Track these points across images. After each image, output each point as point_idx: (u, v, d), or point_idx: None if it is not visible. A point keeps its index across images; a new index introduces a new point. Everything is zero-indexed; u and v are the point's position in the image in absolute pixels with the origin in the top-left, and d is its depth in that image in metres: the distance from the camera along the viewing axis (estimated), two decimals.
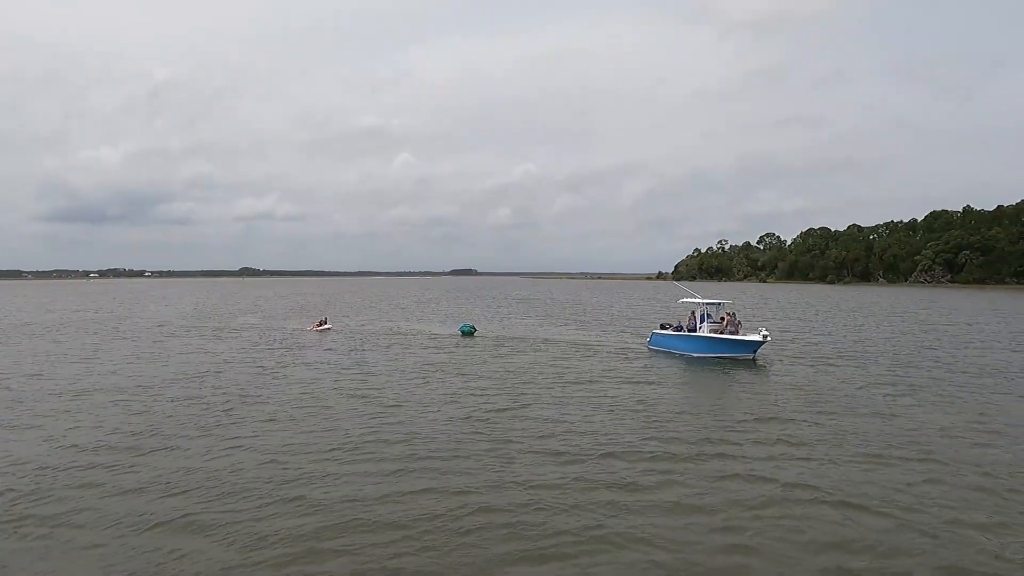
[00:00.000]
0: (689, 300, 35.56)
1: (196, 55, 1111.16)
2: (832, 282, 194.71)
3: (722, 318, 32.95)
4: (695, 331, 33.16)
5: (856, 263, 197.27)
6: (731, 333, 31.41)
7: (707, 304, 33.70)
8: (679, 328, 34.73)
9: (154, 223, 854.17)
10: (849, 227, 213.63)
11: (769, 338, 30.35)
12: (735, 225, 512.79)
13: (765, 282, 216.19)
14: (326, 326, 47.52)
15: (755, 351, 30.70)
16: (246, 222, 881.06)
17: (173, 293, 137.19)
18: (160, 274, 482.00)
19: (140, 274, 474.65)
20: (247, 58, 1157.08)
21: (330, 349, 35.79)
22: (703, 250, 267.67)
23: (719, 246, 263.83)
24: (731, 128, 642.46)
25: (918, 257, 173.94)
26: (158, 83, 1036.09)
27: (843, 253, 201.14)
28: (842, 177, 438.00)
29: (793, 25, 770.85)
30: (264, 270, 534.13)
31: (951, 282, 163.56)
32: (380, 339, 41.39)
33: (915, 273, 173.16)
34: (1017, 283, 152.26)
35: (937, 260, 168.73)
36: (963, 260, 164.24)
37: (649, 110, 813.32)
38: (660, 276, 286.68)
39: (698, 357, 31.47)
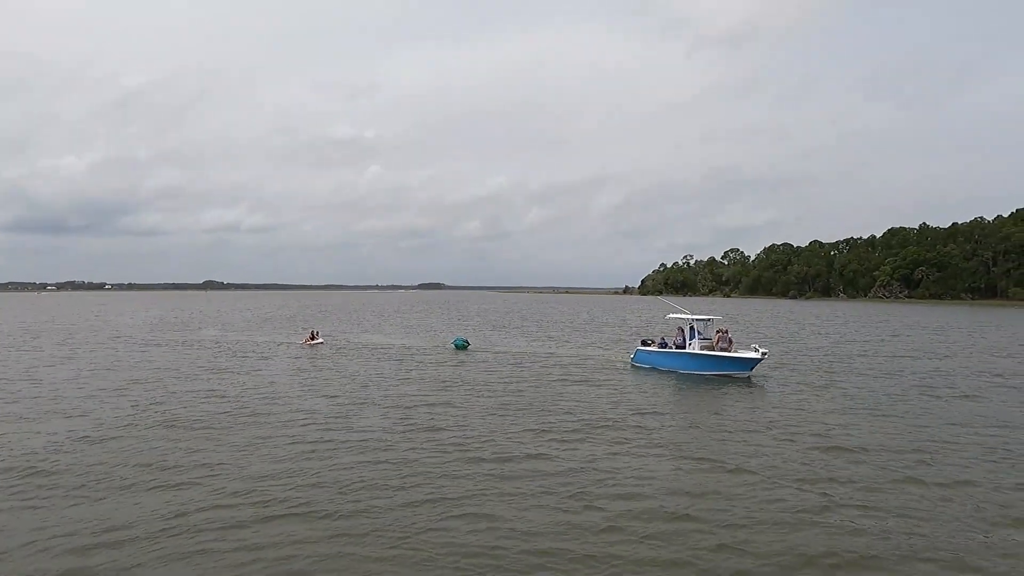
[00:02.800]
0: (677, 316, 34.70)
1: (167, 62, 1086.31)
2: (794, 297, 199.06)
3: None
4: (683, 348, 32.64)
5: (818, 279, 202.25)
6: (722, 350, 31.05)
7: (696, 320, 33.01)
8: (663, 344, 34.15)
9: (118, 234, 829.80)
10: (811, 243, 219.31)
11: (768, 355, 29.99)
12: (703, 237, 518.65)
13: (729, 297, 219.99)
14: (318, 340, 46.64)
15: (752, 368, 30.04)
16: (213, 233, 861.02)
17: (156, 306, 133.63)
18: (121, 287, 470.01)
19: (100, 287, 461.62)
20: (219, 65, 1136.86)
21: (329, 363, 35.31)
22: (669, 265, 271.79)
23: (684, 261, 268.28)
24: (701, 140, 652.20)
25: (877, 273, 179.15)
26: (128, 90, 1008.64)
27: (805, 269, 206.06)
28: (808, 189, 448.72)
29: (762, 40, 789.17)
30: (229, 283, 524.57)
31: (908, 297, 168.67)
32: (376, 353, 41.05)
33: (874, 288, 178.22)
34: (971, 299, 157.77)
35: (895, 276, 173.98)
36: (920, 276, 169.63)
37: (620, 122, 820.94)
38: (627, 291, 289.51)
39: (690, 375, 31.06)
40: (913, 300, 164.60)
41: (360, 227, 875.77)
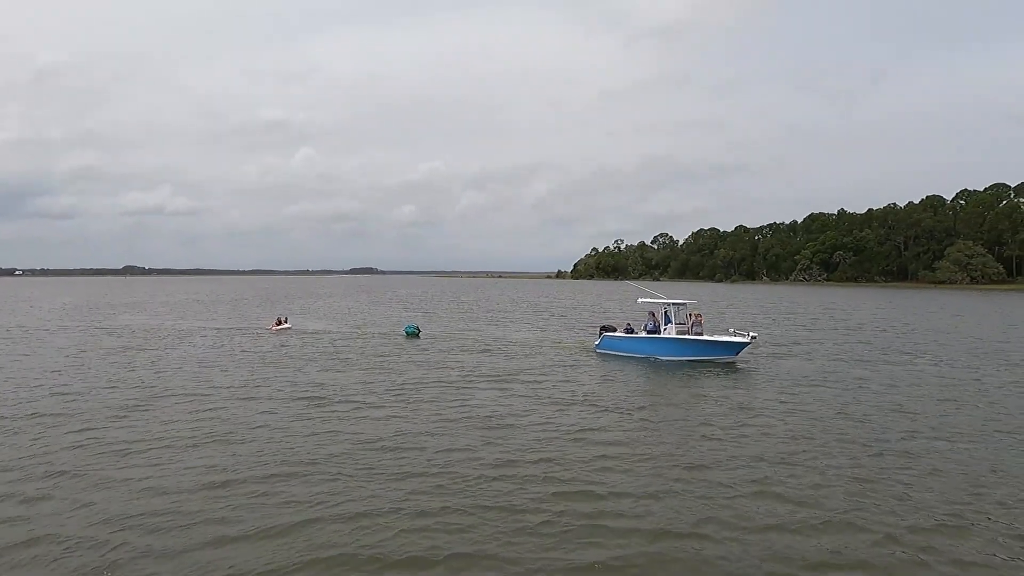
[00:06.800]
0: (648, 300, 33.97)
1: (86, 41, 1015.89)
2: (720, 280, 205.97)
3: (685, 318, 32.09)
4: (655, 333, 31.78)
5: (743, 262, 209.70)
6: (696, 334, 30.61)
7: (670, 305, 32.10)
8: (630, 330, 33.15)
9: (29, 217, 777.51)
10: (736, 228, 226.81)
11: (756, 338, 29.49)
12: (634, 224, 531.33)
13: (659, 280, 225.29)
14: (285, 326, 46.62)
15: (738, 353, 29.40)
16: (134, 217, 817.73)
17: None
18: (33, 272, 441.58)
19: (10, 272, 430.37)
20: (143, 47, 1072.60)
21: (294, 347, 34.05)
22: (600, 249, 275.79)
23: (615, 245, 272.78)
24: (635, 130, 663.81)
25: (797, 257, 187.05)
26: (42, 68, 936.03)
27: (731, 253, 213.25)
28: (737, 179, 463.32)
29: (696, 34, 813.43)
30: (151, 268, 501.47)
31: (827, 280, 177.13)
32: (332, 340, 40.03)
33: (795, 272, 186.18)
34: (884, 281, 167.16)
35: (815, 259, 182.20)
36: (838, 260, 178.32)
37: (556, 110, 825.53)
38: (559, 275, 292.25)
39: (670, 360, 30.11)
40: (831, 283, 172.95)
41: (290, 211, 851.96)
